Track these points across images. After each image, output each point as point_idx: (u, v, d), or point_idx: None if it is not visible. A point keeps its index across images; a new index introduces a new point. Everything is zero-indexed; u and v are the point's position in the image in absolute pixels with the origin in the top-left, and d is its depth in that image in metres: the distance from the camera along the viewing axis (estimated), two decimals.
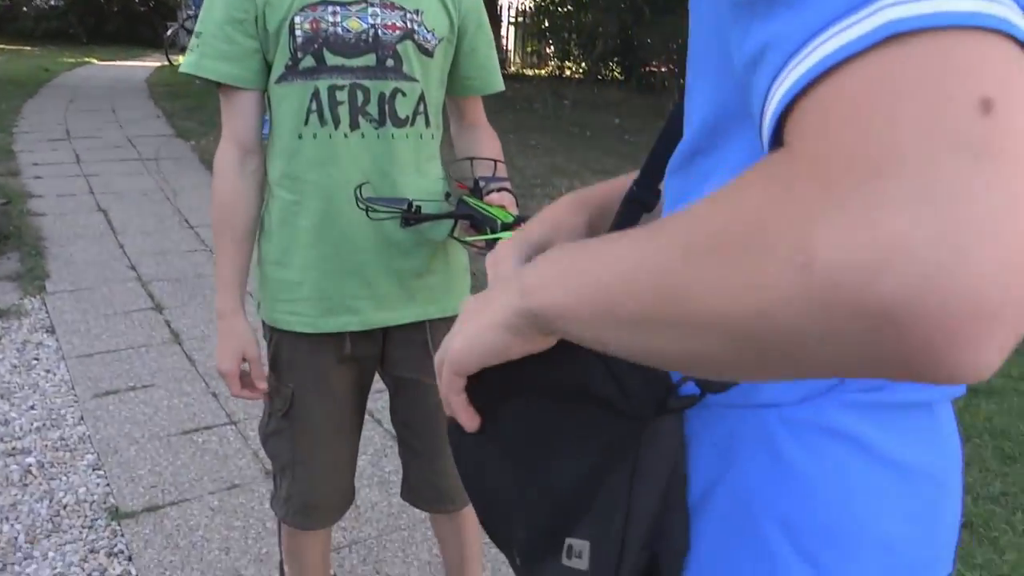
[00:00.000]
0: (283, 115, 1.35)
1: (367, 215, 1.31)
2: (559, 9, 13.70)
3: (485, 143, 1.53)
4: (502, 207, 1.36)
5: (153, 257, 4.46)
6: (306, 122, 1.33)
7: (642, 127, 8.73)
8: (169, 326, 3.63)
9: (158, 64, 13.93)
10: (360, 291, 1.40)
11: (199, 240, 4.77)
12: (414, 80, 1.36)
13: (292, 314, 1.42)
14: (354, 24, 1.30)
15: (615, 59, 13.09)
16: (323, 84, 1.31)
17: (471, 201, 1.37)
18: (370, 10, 1.31)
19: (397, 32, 1.33)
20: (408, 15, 1.34)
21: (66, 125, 7.96)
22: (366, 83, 1.32)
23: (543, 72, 14.22)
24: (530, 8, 14.56)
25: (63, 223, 4.94)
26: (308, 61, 1.30)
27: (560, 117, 9.43)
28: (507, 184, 1.43)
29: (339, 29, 1.29)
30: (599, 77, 12.94)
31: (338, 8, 1.30)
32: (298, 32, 1.29)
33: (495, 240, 1.30)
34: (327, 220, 1.36)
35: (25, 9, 18.75)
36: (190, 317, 3.72)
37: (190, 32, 13.29)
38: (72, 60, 14.17)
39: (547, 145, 7.72)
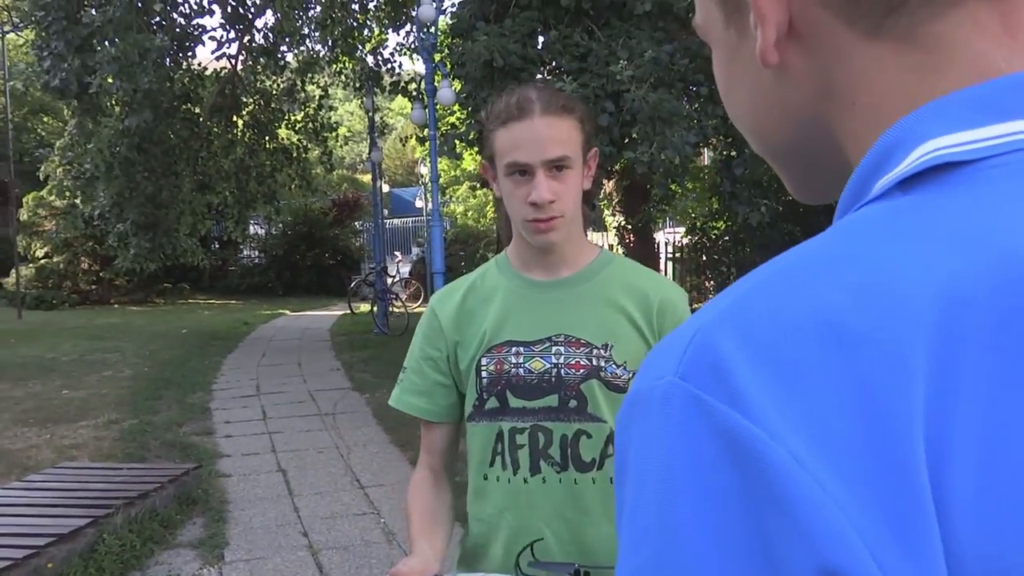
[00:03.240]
0: (472, 453, 1.37)
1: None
2: (717, 244, 13.94)
3: None
4: None
5: (324, 522, 4.54)
6: (491, 463, 1.33)
7: None
8: None
9: (341, 312, 15.19)
10: None
11: (368, 502, 4.83)
12: (600, 421, 1.29)
13: None
14: (537, 364, 1.30)
15: None
16: (506, 426, 1.31)
17: None
18: (554, 349, 1.30)
19: (581, 371, 1.29)
20: (595, 351, 1.30)
21: (257, 380, 8.65)
22: (548, 424, 1.29)
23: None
24: (687, 243, 14.92)
25: (246, 484, 5.19)
26: (492, 402, 1.32)
27: None
28: None
29: (521, 370, 1.30)
30: None
31: (522, 349, 1.31)
32: (484, 373, 1.32)
33: None
34: (506, 567, 1.31)
35: (232, 268, 21.36)
36: None
37: (370, 285, 14.53)
38: (268, 312, 15.76)
39: None
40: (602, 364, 1.29)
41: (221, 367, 9.45)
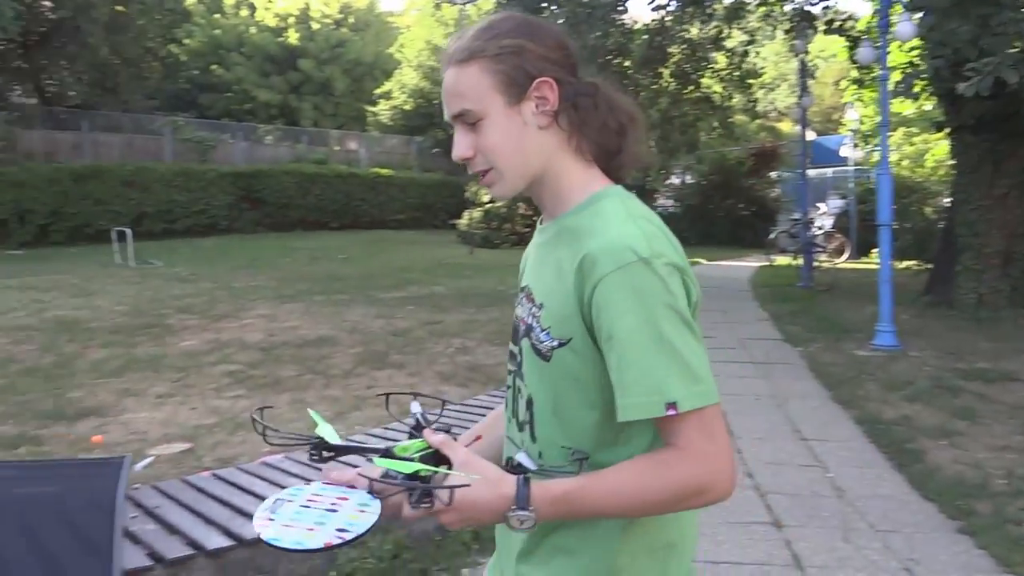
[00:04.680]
0: None
1: (264, 439, 1.22)
2: None
3: (642, 459, 1.07)
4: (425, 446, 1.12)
5: (768, 467, 4.55)
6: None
7: None
8: (789, 546, 3.60)
9: (758, 264, 14.94)
10: None
11: (812, 455, 4.73)
12: (524, 383, 1.21)
13: None
14: (517, 311, 1.27)
15: None
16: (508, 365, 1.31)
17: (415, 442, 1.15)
18: (522, 299, 1.25)
19: (523, 327, 1.21)
20: (533, 310, 1.19)
21: None
22: (513, 373, 1.28)
23: None
24: None
25: None
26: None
27: None
28: (546, 481, 1.06)
29: (514, 316, 1.28)
30: None
31: (521, 294, 1.28)
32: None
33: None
34: None
35: None
36: (809, 540, 3.64)
37: (793, 236, 14.04)
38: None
39: None
40: (534, 324, 1.17)
41: None
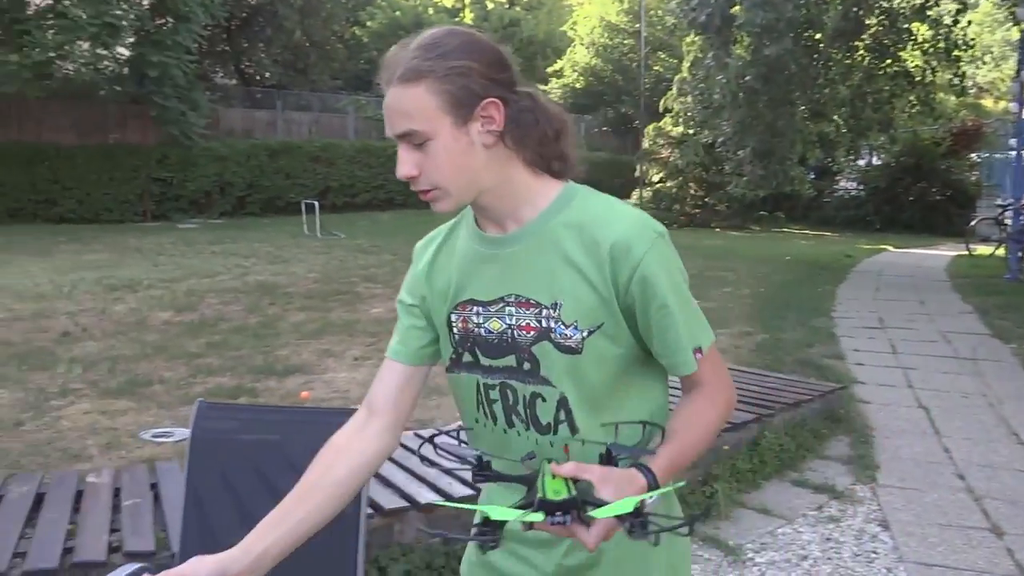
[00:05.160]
0: (459, 401, 1.35)
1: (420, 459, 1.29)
2: None
3: (685, 409, 1.24)
4: (571, 482, 1.05)
5: (981, 469, 4.21)
6: (477, 410, 1.30)
7: None
8: (1012, 556, 3.32)
9: (954, 253, 13.83)
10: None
11: None
12: (551, 385, 1.21)
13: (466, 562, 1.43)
14: (495, 325, 1.24)
15: None
16: (481, 380, 1.27)
17: (543, 465, 1.11)
18: (507, 310, 1.22)
19: (532, 333, 1.21)
20: (544, 312, 1.19)
21: (878, 313, 8.42)
22: (512, 383, 1.24)
23: None
24: None
25: (886, 414, 5.10)
26: (467, 356, 1.28)
27: None
28: (652, 460, 1.14)
29: (483, 330, 1.25)
30: None
31: (480, 309, 1.25)
32: (454, 329, 1.28)
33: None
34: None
35: (827, 200, 21.01)
36: None
37: (999, 224, 12.89)
38: (869, 246, 15.17)
39: None
40: (552, 325, 1.19)
41: (835, 296, 9.44)
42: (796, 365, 6.13)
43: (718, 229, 18.99)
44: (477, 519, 1.13)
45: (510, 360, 1.23)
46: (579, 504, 1.01)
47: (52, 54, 15.71)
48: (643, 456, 1.14)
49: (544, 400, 1.21)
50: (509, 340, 1.22)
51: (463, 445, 1.25)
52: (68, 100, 18.30)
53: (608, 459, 1.14)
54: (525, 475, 1.15)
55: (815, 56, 12.30)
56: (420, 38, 1.15)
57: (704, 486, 3.85)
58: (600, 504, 1.01)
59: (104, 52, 17.27)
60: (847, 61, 12.64)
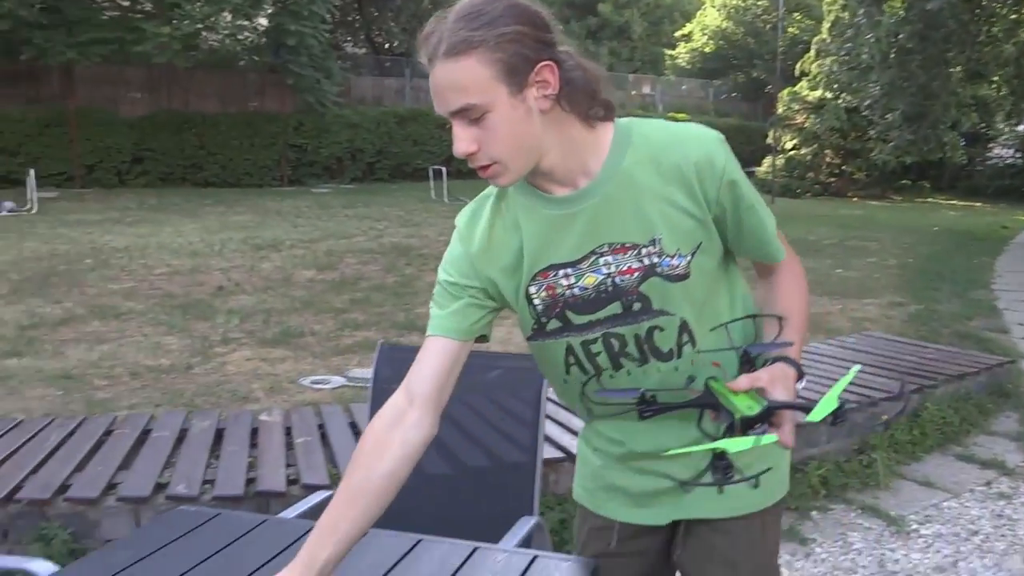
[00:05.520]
0: (543, 364, 1.37)
1: (591, 410, 1.36)
2: None
3: (779, 290, 1.33)
4: (753, 392, 1.11)
5: None
6: (567, 372, 1.32)
7: None
8: None
9: None
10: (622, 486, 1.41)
11: None
12: (668, 314, 1.25)
13: (582, 488, 1.49)
14: (590, 280, 1.24)
15: None
16: (575, 340, 1.28)
17: (715, 386, 1.17)
18: (602, 261, 1.23)
19: (636, 274, 1.23)
20: (644, 250, 1.21)
21: None
22: (617, 330, 1.26)
23: None
24: None
25: None
26: (554, 323, 1.28)
27: None
28: (789, 350, 1.19)
29: (576, 290, 1.24)
30: None
31: (569, 270, 1.24)
32: (536, 301, 1.27)
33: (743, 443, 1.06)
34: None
35: (979, 168, 19.62)
36: None
37: None
38: None
39: None
40: (655, 260, 1.22)
41: (993, 268, 8.84)
42: (954, 338, 5.79)
43: (855, 199, 18.10)
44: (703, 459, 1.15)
45: (614, 308, 1.24)
46: (771, 411, 1.08)
47: (199, 25, 16.52)
48: (781, 349, 1.20)
49: (662, 330, 1.25)
50: (609, 289, 1.23)
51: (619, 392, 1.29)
52: (212, 70, 19.26)
53: (746, 360, 1.22)
54: (691, 400, 1.21)
55: (977, 11, 11.40)
56: (458, 8, 1.10)
57: (860, 455, 3.71)
58: (792, 406, 1.08)
59: (245, 22, 18.02)
60: (1013, 16, 11.66)
